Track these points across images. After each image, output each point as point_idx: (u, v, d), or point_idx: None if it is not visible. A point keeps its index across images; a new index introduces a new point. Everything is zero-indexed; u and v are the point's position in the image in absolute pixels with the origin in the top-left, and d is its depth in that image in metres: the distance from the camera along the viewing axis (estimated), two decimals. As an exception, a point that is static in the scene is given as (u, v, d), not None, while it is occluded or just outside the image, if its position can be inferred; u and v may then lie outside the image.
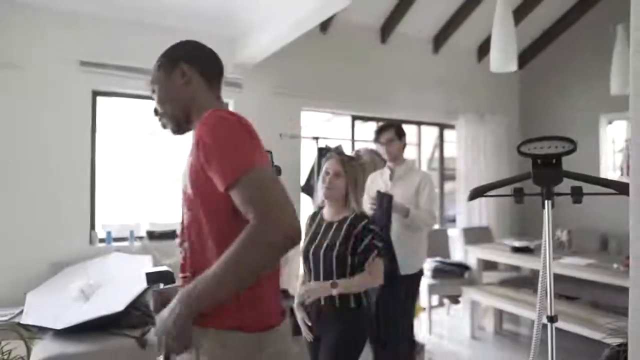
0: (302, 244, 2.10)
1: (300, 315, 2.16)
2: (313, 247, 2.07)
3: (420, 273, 3.05)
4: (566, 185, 1.55)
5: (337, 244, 2.01)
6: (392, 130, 3.02)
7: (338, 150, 2.20)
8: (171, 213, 4.23)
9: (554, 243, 4.46)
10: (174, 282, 2.07)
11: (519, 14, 4.86)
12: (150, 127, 4.48)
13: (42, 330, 2.85)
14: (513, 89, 5.87)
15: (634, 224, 1.35)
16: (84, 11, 3.59)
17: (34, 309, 2.99)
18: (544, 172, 1.52)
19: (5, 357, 2.74)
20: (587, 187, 1.55)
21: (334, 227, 2.07)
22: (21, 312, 3.02)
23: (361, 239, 2.01)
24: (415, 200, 2.93)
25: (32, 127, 3.47)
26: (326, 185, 2.08)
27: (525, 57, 5.70)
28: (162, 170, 4.29)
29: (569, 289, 4.29)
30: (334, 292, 1.96)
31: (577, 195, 1.48)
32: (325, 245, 2.03)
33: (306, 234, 2.17)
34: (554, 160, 1.51)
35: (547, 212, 1.52)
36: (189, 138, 1.43)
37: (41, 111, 3.49)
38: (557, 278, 3.86)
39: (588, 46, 5.04)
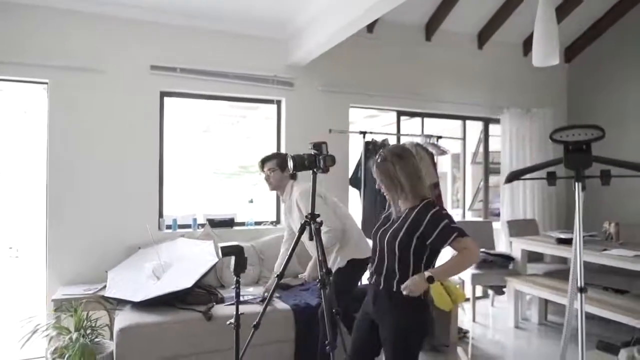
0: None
1: None
2: (382, 229, 2.17)
3: None
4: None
5: (402, 231, 2.04)
6: (274, 161, 3.16)
7: (377, 158, 2.20)
8: (224, 204, 4.54)
9: (602, 235, 4.46)
10: (244, 255, 2.36)
11: (566, 8, 4.85)
12: (205, 125, 4.79)
13: (122, 302, 3.25)
14: (560, 83, 5.82)
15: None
16: (153, 20, 3.97)
17: (115, 284, 3.38)
18: (574, 157, 1.67)
19: (93, 324, 3.15)
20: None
21: (403, 216, 2.10)
22: (104, 287, 3.44)
23: (432, 228, 1.98)
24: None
25: (112, 125, 3.87)
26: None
27: (573, 51, 5.67)
28: (215, 165, 4.58)
29: (618, 282, 4.26)
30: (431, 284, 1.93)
31: (605, 177, 1.62)
32: (391, 231, 2.10)
33: (384, 216, 2.28)
34: (584, 146, 1.66)
35: (577, 193, 1.68)
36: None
37: (118, 110, 3.89)
38: (606, 270, 3.89)
39: (636, 39, 4.95)
